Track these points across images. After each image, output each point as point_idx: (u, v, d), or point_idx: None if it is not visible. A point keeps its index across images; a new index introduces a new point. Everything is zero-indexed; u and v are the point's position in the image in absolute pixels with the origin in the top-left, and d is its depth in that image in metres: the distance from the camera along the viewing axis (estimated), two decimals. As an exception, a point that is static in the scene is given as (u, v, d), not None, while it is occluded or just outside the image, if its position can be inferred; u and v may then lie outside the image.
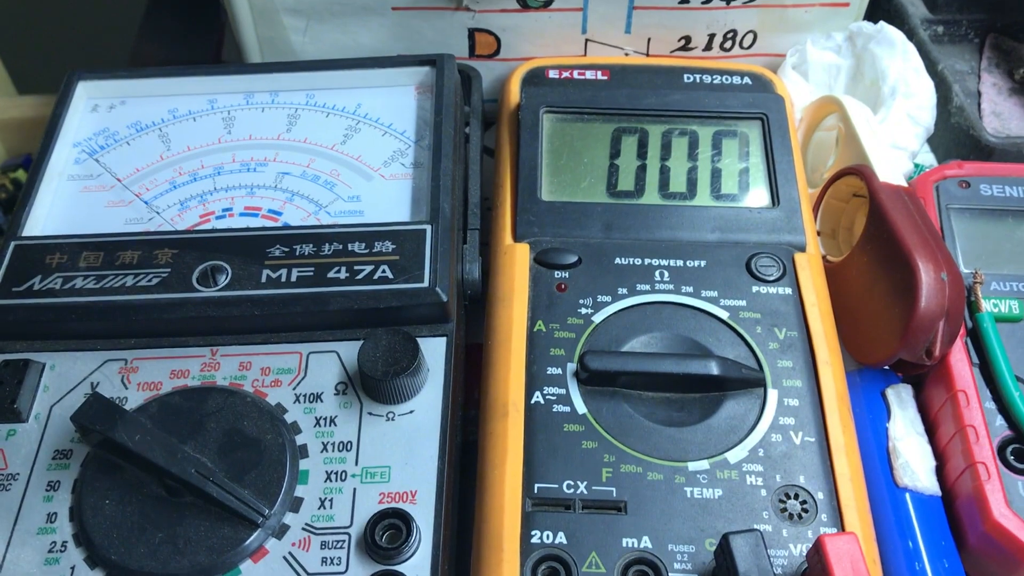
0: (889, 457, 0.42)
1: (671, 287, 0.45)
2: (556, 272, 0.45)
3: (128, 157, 0.48)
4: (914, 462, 0.42)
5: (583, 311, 0.44)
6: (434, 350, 0.40)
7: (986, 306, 0.44)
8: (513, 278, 0.45)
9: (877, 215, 0.45)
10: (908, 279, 0.42)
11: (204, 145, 0.48)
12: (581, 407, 0.41)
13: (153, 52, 0.65)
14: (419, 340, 0.39)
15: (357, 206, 0.45)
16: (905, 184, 0.47)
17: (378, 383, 0.38)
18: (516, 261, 0.45)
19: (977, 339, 0.44)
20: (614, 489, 0.38)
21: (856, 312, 0.46)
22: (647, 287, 0.44)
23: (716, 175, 0.49)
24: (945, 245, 0.44)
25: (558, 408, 0.41)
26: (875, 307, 0.44)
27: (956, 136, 0.55)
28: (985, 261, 0.46)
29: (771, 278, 0.45)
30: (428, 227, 0.42)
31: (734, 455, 0.39)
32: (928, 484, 0.42)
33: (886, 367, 0.45)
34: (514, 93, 0.52)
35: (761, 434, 0.40)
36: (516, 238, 0.46)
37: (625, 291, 0.44)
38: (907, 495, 0.41)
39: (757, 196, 0.48)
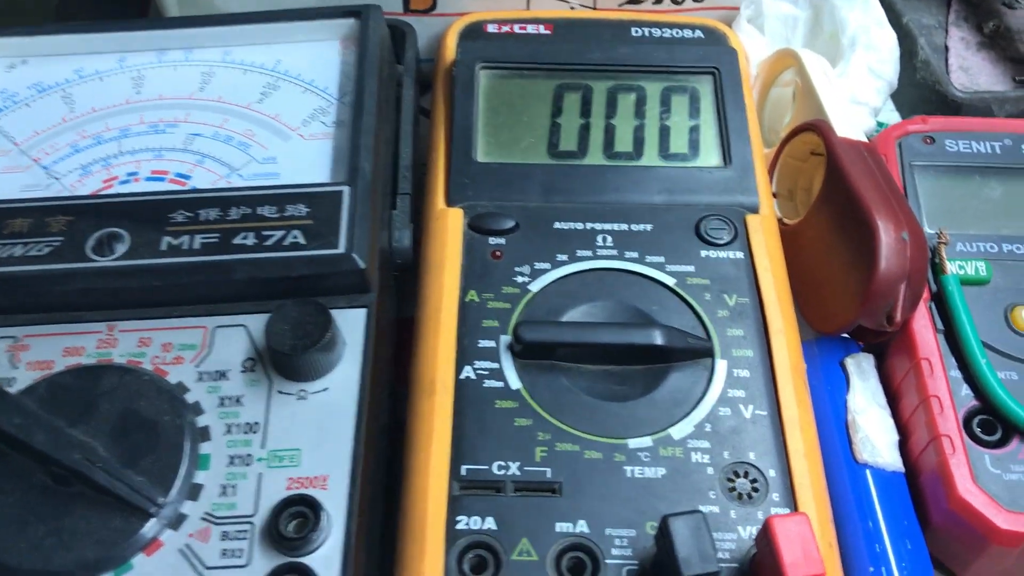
0: (848, 431, 0.40)
1: (614, 253, 0.42)
2: (491, 238, 0.42)
3: (27, 120, 0.44)
4: (875, 436, 0.40)
5: (519, 279, 0.41)
6: (352, 323, 0.37)
7: (951, 268, 0.42)
8: (444, 245, 0.42)
9: (834, 172, 0.42)
10: (867, 239, 0.39)
11: (110, 106, 0.45)
12: (515, 382, 0.38)
13: (76, 10, 0.61)
14: (335, 312, 0.37)
15: (273, 168, 0.42)
16: (865, 140, 0.44)
17: (287, 358, 0.35)
18: (448, 227, 0.42)
19: (942, 303, 0.42)
20: (548, 470, 0.36)
21: (813, 277, 0.43)
22: (588, 253, 0.42)
23: (664, 133, 0.46)
24: (907, 204, 0.42)
25: (490, 384, 0.38)
26: (833, 271, 0.42)
27: (922, 92, 0.53)
28: (951, 221, 0.44)
29: (721, 241, 0.42)
30: (345, 188, 0.39)
31: (678, 431, 0.37)
32: (890, 459, 0.39)
33: (845, 335, 0.43)
34: (450, 49, 0.49)
35: (708, 408, 0.37)
36: (449, 202, 0.43)
37: (565, 258, 0.42)
38: (867, 471, 0.39)
39: (708, 155, 0.46)
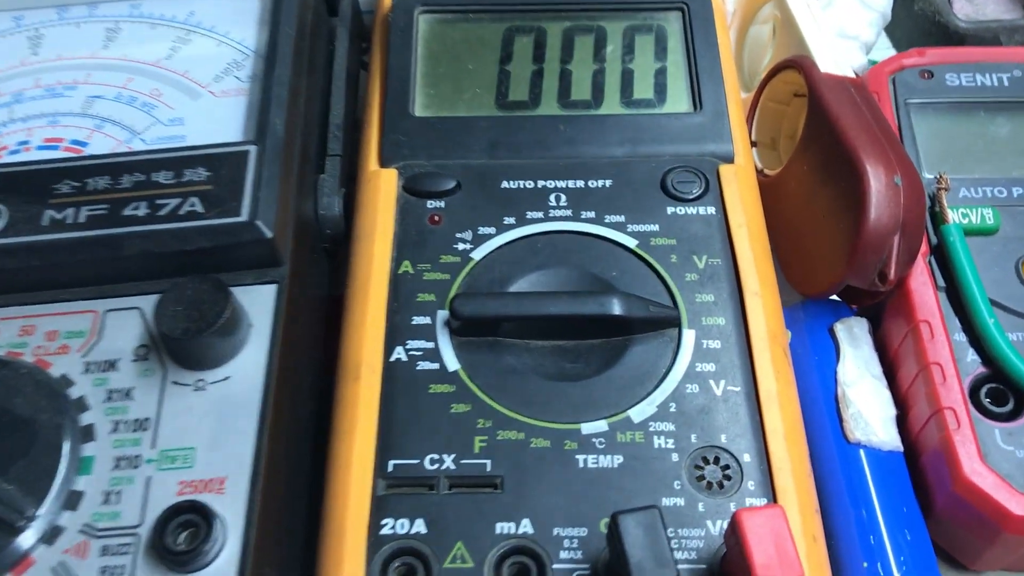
0: (838, 406, 0.35)
1: (568, 213, 0.37)
2: (429, 201, 0.38)
3: (-87, 88, 0.40)
4: (868, 411, 0.35)
5: (460, 247, 0.36)
6: (260, 301, 0.33)
7: (953, 216, 0.37)
8: (375, 210, 0.37)
9: (817, 112, 0.37)
10: (854, 185, 0.34)
11: (2, 70, 0.40)
12: (452, 363, 0.33)
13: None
14: (240, 289, 0.32)
15: (179, 130, 0.37)
16: (854, 76, 0.39)
17: (180, 344, 0.30)
18: (380, 190, 0.38)
19: (943, 257, 0.37)
20: (489, 462, 0.31)
21: (796, 233, 0.38)
22: (539, 215, 0.37)
23: (627, 78, 0.41)
24: (901, 145, 0.37)
25: (424, 365, 0.33)
26: (817, 224, 0.37)
27: (920, 24, 0.48)
28: (952, 164, 0.39)
29: (690, 196, 0.38)
30: (251, 148, 0.34)
31: (639, 412, 0.32)
32: (886, 437, 0.35)
33: (834, 298, 0.38)
34: (388, -5, 0.45)
35: (673, 385, 0.33)
36: (382, 163, 0.39)
37: (512, 220, 0.37)
38: (860, 452, 0.35)
39: (676, 100, 0.41)
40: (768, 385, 0.33)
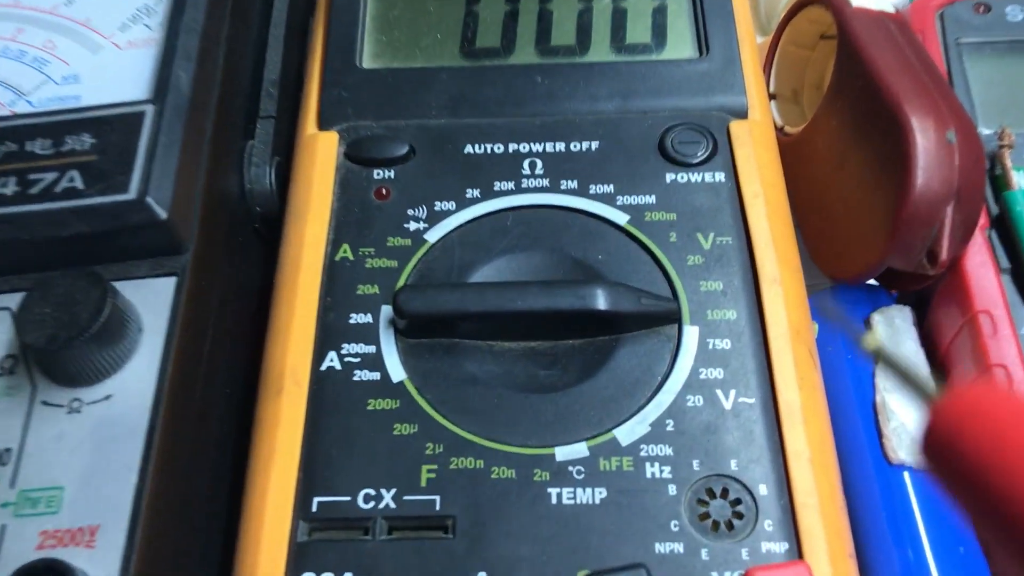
0: (877, 419, 0.29)
1: (545, 184, 0.31)
2: (375, 171, 0.31)
3: None
4: (914, 424, 0.28)
5: (412, 226, 0.30)
6: (154, 298, 0.26)
7: (1019, 181, 0.30)
8: (310, 183, 0.31)
9: (850, 56, 0.31)
10: (896, 143, 0.28)
11: None
12: (397, 372, 0.27)
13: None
14: (131, 284, 0.26)
15: (74, 90, 0.31)
16: (893, 12, 0.32)
17: (47, 354, 0.24)
18: (317, 157, 0.32)
19: (1006, 231, 0.30)
20: (438, 498, 0.25)
21: (824, 204, 0.32)
22: (510, 186, 0.31)
23: (619, 18, 0.35)
24: (953, 93, 0.30)
25: (362, 375, 0.27)
26: (850, 192, 0.30)
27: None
28: (1015, 116, 0.32)
29: (694, 160, 0.31)
30: (148, 108, 0.28)
31: (627, 432, 0.26)
32: (936, 456, 0.28)
33: (871, 282, 0.31)
34: (337, -75, 0.38)
35: (671, 397, 0.27)
36: (321, 124, 0.32)
37: (477, 193, 0.31)
38: (905, 476, 0.28)
39: (678, 44, 0.34)
40: (790, 396, 0.27)
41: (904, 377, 0.17)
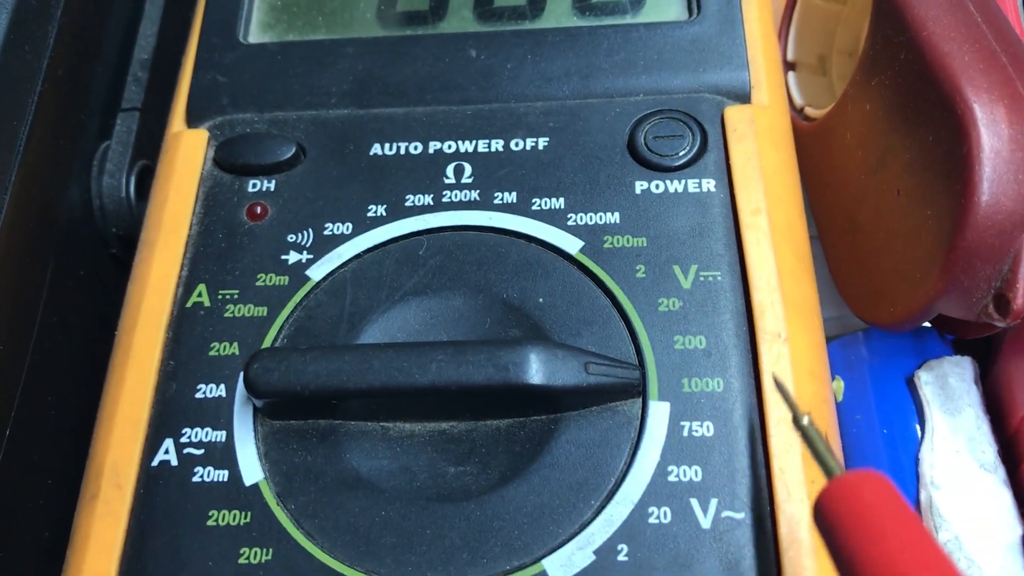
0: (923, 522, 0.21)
1: (475, 197, 0.24)
2: (251, 181, 0.24)
3: None
4: (974, 532, 0.20)
5: (292, 258, 0.23)
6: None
7: None
8: (165, 199, 0.24)
9: (889, 13, 0.22)
10: (951, 140, 0.20)
11: None
12: (252, 471, 0.20)
13: None
14: None
15: None
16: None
17: None
18: (177, 163, 0.24)
19: (1109, 262, 0.21)
20: (294, 662, 0.18)
21: (856, 218, 0.24)
22: (427, 199, 0.24)
23: (585, -32, 0.27)
24: (1036, 66, 0.21)
25: (204, 475, 0.21)
26: (889, 205, 0.22)
27: None
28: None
29: (675, 162, 0.24)
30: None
31: (562, 564, 0.19)
32: (1006, 582, 0.20)
33: (924, 325, 0.23)
34: None
35: (626, 510, 0.20)
36: (190, 119, 0.25)
37: (382, 210, 0.24)
38: (960, 608, 0.20)
39: (661, 3, 0.26)
40: (795, 510, 0.19)
41: (815, 452, 0.17)
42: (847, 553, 0.15)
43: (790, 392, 0.19)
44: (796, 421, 0.18)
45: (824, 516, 0.16)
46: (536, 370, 0.20)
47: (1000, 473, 0.22)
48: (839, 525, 0.16)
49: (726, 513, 0.19)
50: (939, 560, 0.15)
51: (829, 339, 0.23)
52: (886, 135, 0.23)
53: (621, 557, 0.19)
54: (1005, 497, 0.22)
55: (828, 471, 0.17)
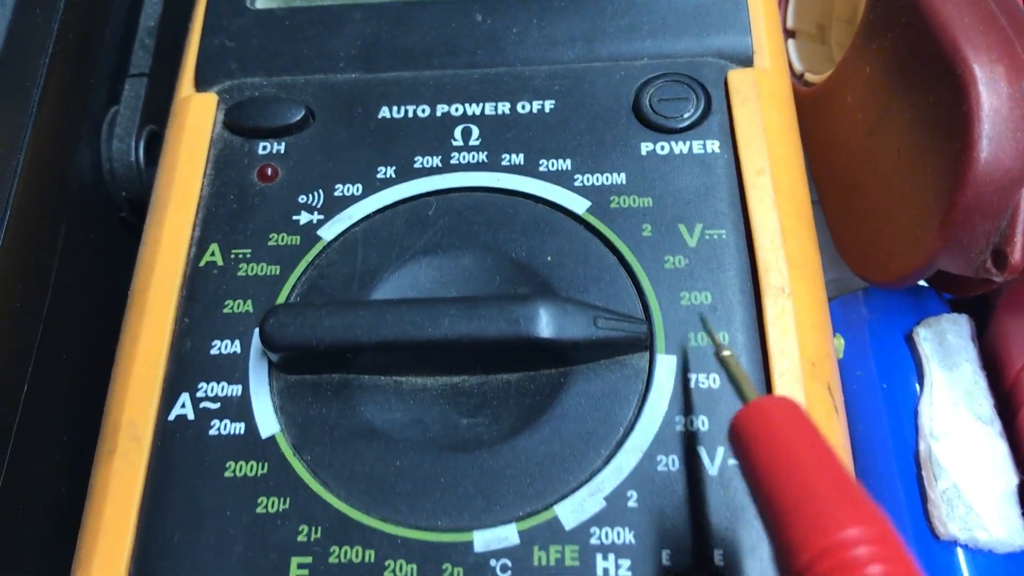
0: (921, 476, 0.22)
1: (483, 158, 0.24)
2: (261, 143, 0.25)
3: None
4: (972, 484, 0.21)
5: (303, 218, 0.23)
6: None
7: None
8: (175, 161, 0.24)
9: (890, -22, 0.23)
10: (951, 100, 0.21)
11: None
12: (268, 423, 0.21)
13: None
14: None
15: None
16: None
17: None
18: (187, 127, 0.25)
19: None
20: (310, 607, 0.19)
21: (855, 178, 0.24)
22: (436, 161, 0.24)
23: (588, -67, 0.27)
24: (1033, 29, 0.22)
25: (221, 427, 0.21)
26: (888, 165, 0.23)
27: None
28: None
29: (680, 124, 0.24)
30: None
31: (573, 510, 0.20)
32: (1002, 531, 0.21)
33: (920, 283, 0.24)
34: None
35: (635, 458, 0.21)
36: (198, 83, 0.25)
37: (392, 172, 0.24)
38: (958, 554, 0.21)
39: (664, -32, 0.27)
40: (800, 455, 0.20)
41: (733, 379, 0.19)
42: (755, 468, 0.17)
43: (713, 328, 0.21)
44: (717, 352, 0.20)
45: (738, 435, 0.17)
46: (546, 324, 0.21)
47: (996, 425, 0.23)
48: (750, 442, 0.17)
49: (732, 460, 0.20)
50: (837, 472, 0.16)
51: (829, 300, 0.24)
52: (886, 97, 0.24)
53: (631, 503, 0.20)
54: (1001, 447, 0.22)
55: (744, 397, 0.19)
